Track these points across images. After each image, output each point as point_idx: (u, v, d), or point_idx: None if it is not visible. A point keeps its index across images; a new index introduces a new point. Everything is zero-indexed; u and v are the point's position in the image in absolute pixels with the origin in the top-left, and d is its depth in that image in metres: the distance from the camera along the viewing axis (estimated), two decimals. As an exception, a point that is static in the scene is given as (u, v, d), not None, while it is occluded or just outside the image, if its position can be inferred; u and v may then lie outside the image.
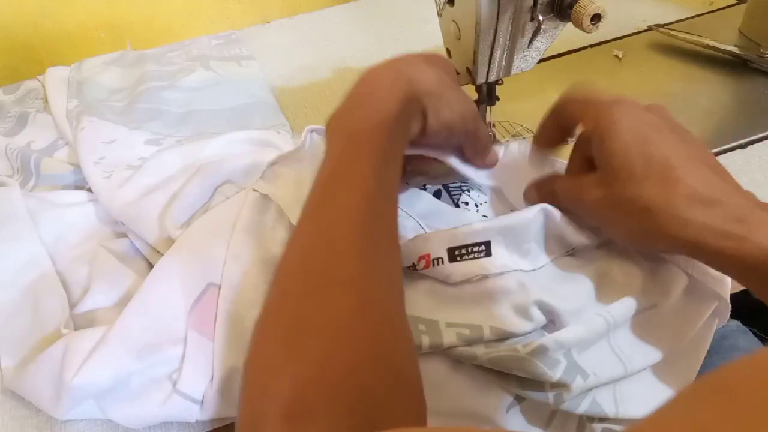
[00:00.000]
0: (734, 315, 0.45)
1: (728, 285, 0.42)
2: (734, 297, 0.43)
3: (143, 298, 0.43)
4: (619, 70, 0.70)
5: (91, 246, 0.51)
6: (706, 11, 0.79)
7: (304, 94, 0.72)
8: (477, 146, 0.48)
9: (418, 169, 0.49)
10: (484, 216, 0.48)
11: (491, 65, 0.50)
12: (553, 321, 0.41)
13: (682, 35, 0.71)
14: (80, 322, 0.46)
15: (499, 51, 0.49)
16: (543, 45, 0.50)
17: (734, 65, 0.69)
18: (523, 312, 0.40)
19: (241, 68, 0.75)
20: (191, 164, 0.55)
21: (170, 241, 0.48)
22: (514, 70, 0.51)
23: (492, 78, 0.52)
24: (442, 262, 0.42)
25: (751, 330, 0.58)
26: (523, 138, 0.56)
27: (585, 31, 0.45)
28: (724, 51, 0.69)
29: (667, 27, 0.73)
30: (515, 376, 0.40)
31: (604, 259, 0.43)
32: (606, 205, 0.40)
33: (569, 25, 0.46)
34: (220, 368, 0.41)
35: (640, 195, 0.38)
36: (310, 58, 0.77)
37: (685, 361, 0.43)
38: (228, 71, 0.74)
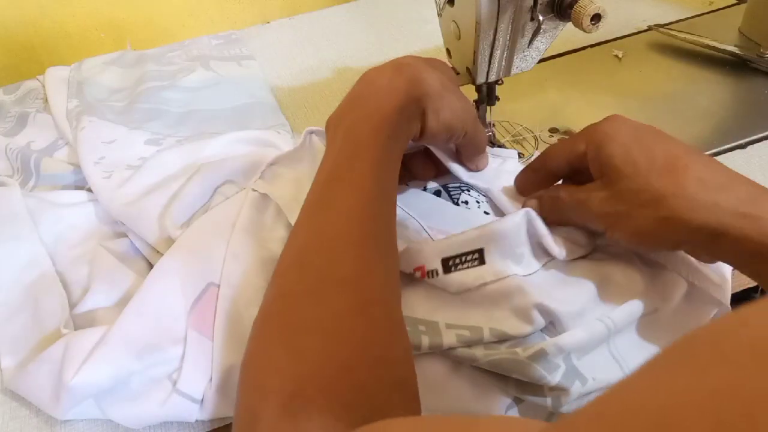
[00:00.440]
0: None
1: (728, 291, 0.42)
2: (734, 299, 0.43)
3: (143, 298, 0.43)
4: (619, 70, 0.70)
5: (91, 246, 0.51)
6: (706, 11, 0.79)
7: (304, 94, 0.72)
8: (474, 149, 0.48)
9: (413, 174, 0.50)
10: (486, 213, 0.48)
11: (491, 65, 0.50)
12: (553, 323, 0.41)
13: (682, 35, 0.71)
14: (80, 322, 0.46)
15: (499, 51, 0.49)
16: (543, 45, 0.50)
17: (734, 65, 0.69)
18: (523, 315, 0.40)
19: (241, 68, 0.75)
20: (191, 164, 0.55)
21: (170, 241, 0.48)
22: (514, 70, 0.51)
23: (492, 78, 0.52)
24: (437, 274, 0.42)
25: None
26: (521, 158, 0.57)
27: (585, 31, 0.45)
28: (724, 51, 0.69)
29: (667, 27, 0.73)
30: (514, 379, 0.39)
31: (605, 263, 0.43)
32: (614, 201, 0.39)
33: (569, 25, 0.46)
34: (219, 367, 0.42)
35: (650, 184, 0.37)
36: (310, 58, 0.77)
37: None
38: (228, 71, 0.74)
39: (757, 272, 0.37)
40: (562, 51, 0.73)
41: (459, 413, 0.40)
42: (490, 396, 0.41)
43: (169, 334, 0.42)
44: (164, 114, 0.66)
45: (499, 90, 0.54)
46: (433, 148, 0.49)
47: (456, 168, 0.49)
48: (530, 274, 0.42)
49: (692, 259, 0.43)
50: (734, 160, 0.58)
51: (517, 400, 0.41)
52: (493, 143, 0.57)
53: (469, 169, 0.50)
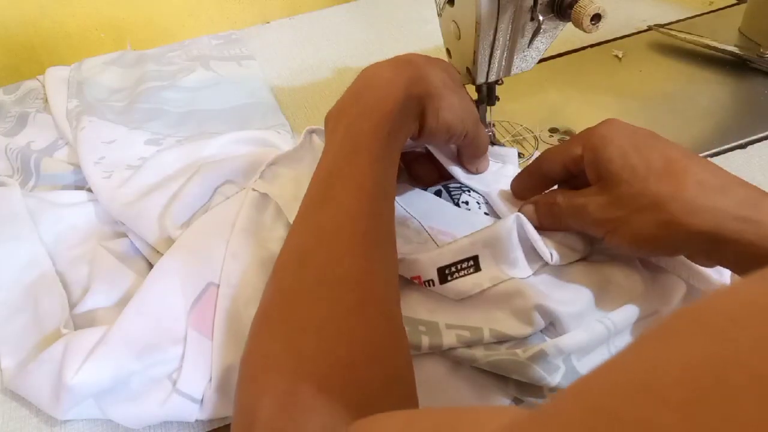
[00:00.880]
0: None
1: None
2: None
3: (143, 298, 0.43)
4: (619, 70, 0.70)
5: (91, 246, 0.51)
6: (706, 11, 0.79)
7: (304, 94, 0.72)
8: (475, 151, 0.48)
9: (415, 178, 0.50)
10: (486, 214, 0.48)
11: (491, 65, 0.50)
12: (553, 324, 0.41)
13: (682, 35, 0.71)
14: (80, 322, 0.46)
15: (499, 51, 0.49)
16: (543, 45, 0.50)
17: (734, 65, 0.69)
18: (523, 316, 0.40)
19: (241, 68, 0.75)
20: (191, 164, 0.55)
21: (170, 241, 0.48)
22: (514, 70, 0.51)
23: (492, 78, 0.52)
24: (434, 284, 0.42)
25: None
26: (521, 158, 0.57)
27: (585, 31, 0.44)
28: (724, 51, 0.69)
29: (667, 27, 0.73)
30: (514, 380, 0.39)
31: (605, 265, 0.43)
32: (613, 207, 0.38)
33: (569, 25, 0.46)
34: (218, 367, 0.41)
35: (648, 188, 0.36)
36: (310, 57, 0.77)
37: None
38: (228, 71, 0.74)
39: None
40: (562, 51, 0.73)
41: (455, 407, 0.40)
42: (490, 397, 0.41)
43: (169, 333, 0.42)
44: (164, 114, 0.66)
45: (499, 90, 0.54)
46: (433, 149, 0.49)
47: (456, 170, 0.49)
48: (528, 277, 0.42)
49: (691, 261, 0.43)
50: (734, 160, 0.58)
51: (517, 401, 0.41)
52: (493, 143, 0.57)
53: (469, 172, 0.49)
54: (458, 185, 0.50)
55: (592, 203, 0.39)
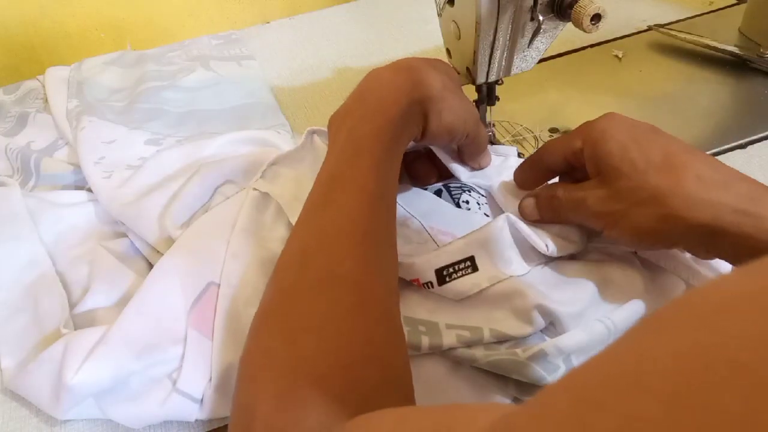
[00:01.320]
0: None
1: None
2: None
3: (143, 298, 0.43)
4: (619, 70, 0.70)
5: (91, 246, 0.51)
6: (706, 11, 0.79)
7: (304, 94, 0.72)
8: (476, 149, 0.48)
9: (415, 178, 0.50)
10: (486, 215, 0.48)
11: (491, 65, 0.50)
12: (553, 324, 0.41)
13: (682, 35, 0.71)
14: (80, 322, 0.46)
15: (499, 51, 0.49)
16: (543, 45, 0.50)
17: (734, 65, 0.69)
18: (523, 315, 0.40)
19: (241, 68, 0.75)
20: (191, 164, 0.55)
21: (170, 241, 0.48)
22: (514, 70, 0.51)
23: (492, 78, 0.52)
24: (433, 286, 0.42)
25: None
26: (522, 158, 0.57)
27: (585, 31, 0.44)
28: (724, 51, 0.69)
29: (667, 27, 0.73)
30: (514, 380, 0.39)
31: (605, 264, 0.43)
32: (612, 200, 0.38)
33: (569, 25, 0.46)
34: (218, 366, 0.42)
35: (648, 182, 0.37)
36: (310, 58, 0.77)
37: None
38: (228, 71, 0.74)
39: None
40: (562, 51, 0.73)
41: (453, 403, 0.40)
42: (490, 397, 0.41)
43: (169, 333, 0.42)
44: (164, 114, 0.66)
45: (499, 90, 0.54)
46: (434, 149, 0.49)
47: (457, 168, 0.49)
48: (526, 273, 0.42)
49: (691, 260, 0.43)
50: (734, 160, 0.58)
51: (517, 401, 0.41)
52: (493, 143, 0.57)
53: (472, 168, 0.49)
54: (459, 185, 0.50)
55: (591, 196, 0.39)
